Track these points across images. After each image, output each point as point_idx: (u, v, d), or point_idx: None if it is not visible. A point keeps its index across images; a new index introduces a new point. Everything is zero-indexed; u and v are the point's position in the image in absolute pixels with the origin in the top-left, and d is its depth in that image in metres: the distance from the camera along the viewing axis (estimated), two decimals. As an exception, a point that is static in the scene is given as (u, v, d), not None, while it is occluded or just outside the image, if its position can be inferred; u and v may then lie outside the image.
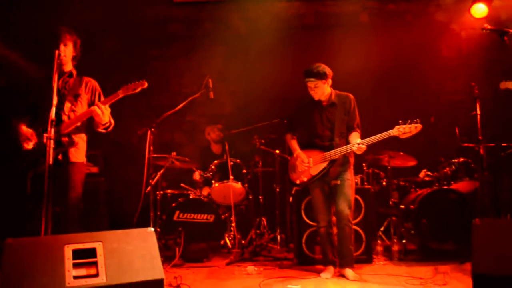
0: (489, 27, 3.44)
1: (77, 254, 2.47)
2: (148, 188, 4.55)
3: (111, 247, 2.54)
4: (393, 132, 3.59)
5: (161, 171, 4.91)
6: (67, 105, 3.41)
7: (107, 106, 3.41)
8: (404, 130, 3.56)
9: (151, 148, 4.43)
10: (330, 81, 3.93)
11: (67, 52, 3.45)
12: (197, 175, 5.54)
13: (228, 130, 5.66)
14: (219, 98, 5.09)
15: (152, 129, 4.44)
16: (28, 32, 5.41)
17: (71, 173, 3.35)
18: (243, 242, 5.11)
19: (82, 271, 2.43)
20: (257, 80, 6.26)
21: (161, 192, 4.98)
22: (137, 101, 5.26)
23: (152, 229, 2.74)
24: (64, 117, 3.38)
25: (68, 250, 2.46)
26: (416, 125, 3.55)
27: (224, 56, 6.52)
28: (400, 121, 3.59)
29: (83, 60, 3.70)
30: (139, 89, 3.45)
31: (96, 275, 2.42)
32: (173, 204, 4.80)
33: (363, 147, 3.69)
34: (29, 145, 3.30)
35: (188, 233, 4.62)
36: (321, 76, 3.84)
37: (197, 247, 4.65)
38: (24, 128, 3.35)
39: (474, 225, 2.55)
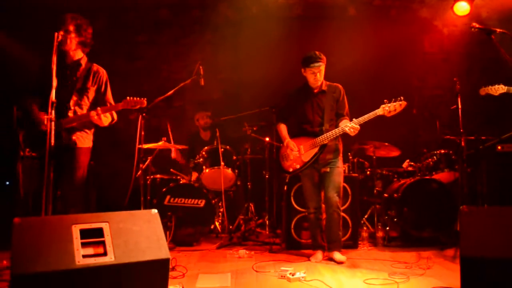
0: (477, 26, 3.58)
1: (84, 233, 2.52)
2: (139, 173, 4.58)
3: (117, 227, 2.59)
4: (379, 111, 3.73)
5: (152, 156, 4.95)
6: (74, 98, 3.43)
7: (105, 114, 3.44)
8: (389, 108, 3.69)
9: (142, 133, 4.46)
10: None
11: (69, 39, 3.41)
12: (173, 153, 5.63)
13: (217, 117, 5.73)
14: (207, 85, 5.11)
15: (144, 114, 4.45)
16: (34, 17, 5.38)
17: (78, 155, 3.39)
18: (230, 227, 5.24)
19: (90, 250, 2.48)
20: (246, 68, 6.36)
21: (151, 176, 5.02)
22: (125, 87, 5.28)
23: (156, 210, 2.81)
24: (70, 113, 3.40)
25: (75, 230, 2.50)
26: (400, 102, 3.68)
27: (213, 43, 6.56)
28: (385, 100, 3.72)
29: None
30: (137, 107, 3.51)
31: (104, 254, 2.48)
32: (164, 189, 4.85)
33: (356, 126, 3.80)
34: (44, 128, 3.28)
35: (178, 217, 4.71)
36: (323, 59, 4.00)
37: (186, 232, 4.74)
38: (37, 112, 3.36)
39: (462, 211, 2.72)
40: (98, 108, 3.41)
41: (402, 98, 3.70)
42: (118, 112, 3.71)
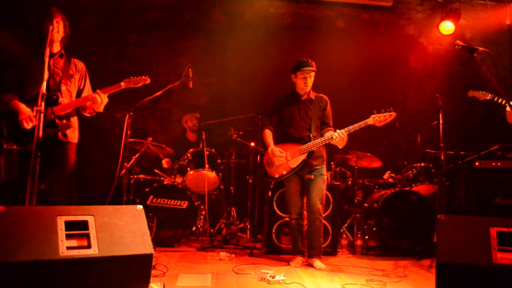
0: (461, 43, 3.69)
1: (69, 225, 2.52)
2: (123, 171, 4.57)
3: (102, 221, 2.61)
4: (370, 121, 3.83)
5: (137, 155, 4.95)
6: (63, 87, 3.43)
7: (106, 95, 3.45)
8: (379, 118, 3.81)
9: (128, 132, 4.46)
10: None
11: (58, 31, 3.44)
12: (164, 163, 5.61)
13: (203, 121, 5.77)
14: (195, 89, 5.16)
15: (131, 113, 4.46)
16: (11, 9, 5.32)
17: (69, 151, 3.40)
18: (211, 230, 5.25)
19: (74, 242, 2.49)
20: (234, 74, 6.43)
21: (134, 176, 5.00)
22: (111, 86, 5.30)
23: (141, 206, 2.84)
24: (62, 100, 3.40)
25: (60, 221, 2.50)
26: (390, 113, 3.81)
27: (202, 48, 6.61)
28: (375, 110, 3.83)
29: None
30: (141, 84, 3.53)
31: (88, 247, 2.49)
32: (147, 189, 4.85)
33: (343, 136, 3.82)
34: (29, 125, 3.25)
35: (160, 218, 4.71)
36: (315, 67, 4.10)
37: (167, 232, 4.74)
38: (23, 107, 3.29)
39: (439, 220, 2.81)
40: (98, 91, 3.42)
41: (391, 109, 3.82)
42: (105, 111, 3.70)
